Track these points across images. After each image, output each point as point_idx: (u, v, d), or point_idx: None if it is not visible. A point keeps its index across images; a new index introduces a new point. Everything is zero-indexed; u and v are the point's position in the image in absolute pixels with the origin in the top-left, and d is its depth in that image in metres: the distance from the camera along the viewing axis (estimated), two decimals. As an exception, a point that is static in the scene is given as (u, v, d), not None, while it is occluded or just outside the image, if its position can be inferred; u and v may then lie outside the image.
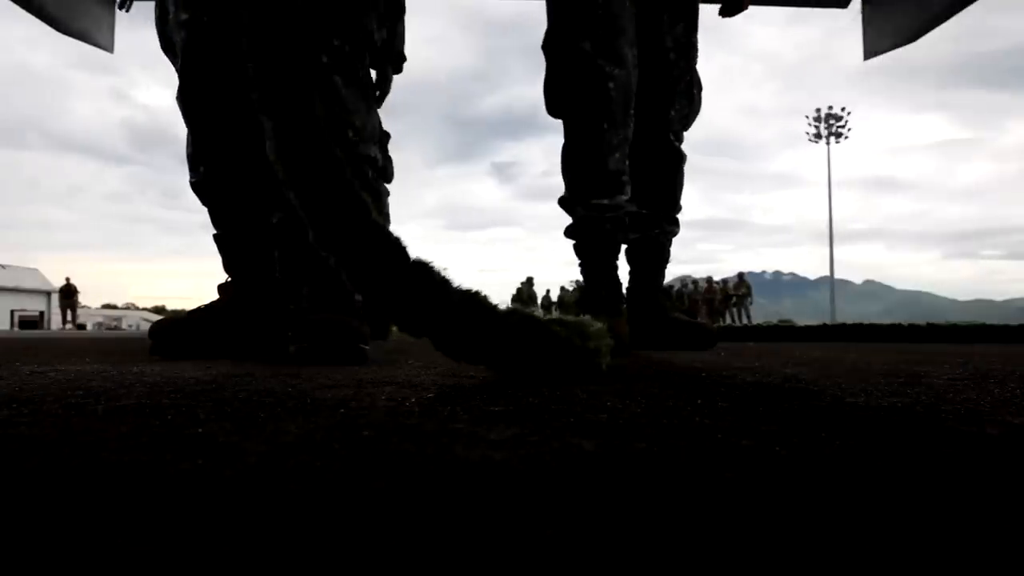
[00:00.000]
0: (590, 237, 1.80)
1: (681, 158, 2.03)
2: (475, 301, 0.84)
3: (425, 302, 0.83)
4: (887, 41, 2.91)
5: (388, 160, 2.41)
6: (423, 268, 0.85)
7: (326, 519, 0.27)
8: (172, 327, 1.58)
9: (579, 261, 1.87)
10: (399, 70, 2.36)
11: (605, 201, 1.74)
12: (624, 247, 1.94)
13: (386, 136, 2.34)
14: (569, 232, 1.85)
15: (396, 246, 0.85)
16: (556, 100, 1.79)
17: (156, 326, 1.59)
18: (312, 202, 0.85)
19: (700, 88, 2.05)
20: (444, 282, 0.85)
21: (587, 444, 0.42)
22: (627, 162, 1.77)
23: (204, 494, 0.31)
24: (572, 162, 1.78)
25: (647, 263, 2.08)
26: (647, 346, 1.95)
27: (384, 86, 2.29)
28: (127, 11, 2.15)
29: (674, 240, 2.13)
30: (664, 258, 2.10)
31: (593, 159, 1.73)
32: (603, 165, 1.72)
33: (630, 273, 2.09)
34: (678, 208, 2.09)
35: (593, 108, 1.71)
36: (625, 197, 1.77)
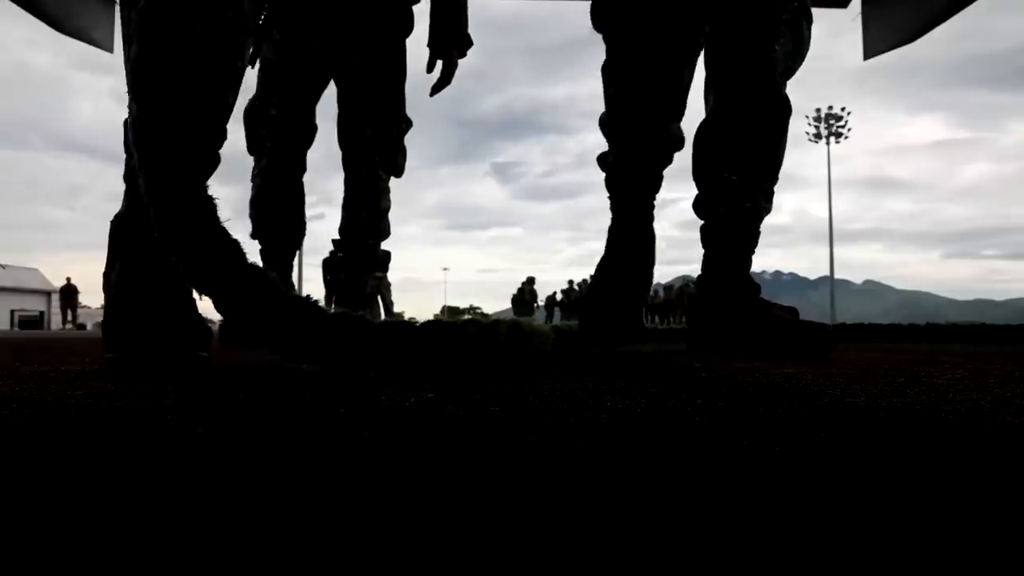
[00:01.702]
0: (628, 170, 1.43)
1: (787, 109, 1.58)
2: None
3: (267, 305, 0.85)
4: (887, 41, 2.91)
5: (402, 152, 2.18)
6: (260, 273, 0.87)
7: (326, 519, 0.27)
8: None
9: (611, 207, 1.49)
10: (463, 54, 2.10)
11: (651, 125, 1.39)
12: (701, 224, 1.57)
13: (408, 124, 2.12)
14: (602, 160, 1.50)
15: (234, 248, 0.87)
16: (602, 14, 1.49)
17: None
18: (158, 191, 0.84)
19: (810, 20, 1.61)
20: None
21: (587, 444, 0.42)
22: (684, 82, 1.44)
23: (203, 494, 0.31)
24: (613, 77, 1.46)
25: (735, 244, 1.59)
26: (740, 351, 1.49)
27: (448, 74, 2.07)
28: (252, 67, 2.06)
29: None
30: (755, 241, 1.63)
31: (638, 75, 1.41)
32: (651, 82, 1.39)
33: (708, 257, 1.62)
34: (776, 178, 1.62)
35: (641, 21, 1.40)
36: (677, 123, 1.44)
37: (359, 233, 2.14)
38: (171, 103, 0.84)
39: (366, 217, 2.12)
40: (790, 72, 1.60)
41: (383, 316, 9.00)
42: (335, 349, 0.86)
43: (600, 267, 1.60)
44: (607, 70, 1.50)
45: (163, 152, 0.84)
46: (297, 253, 2.21)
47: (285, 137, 2.04)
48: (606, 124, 1.53)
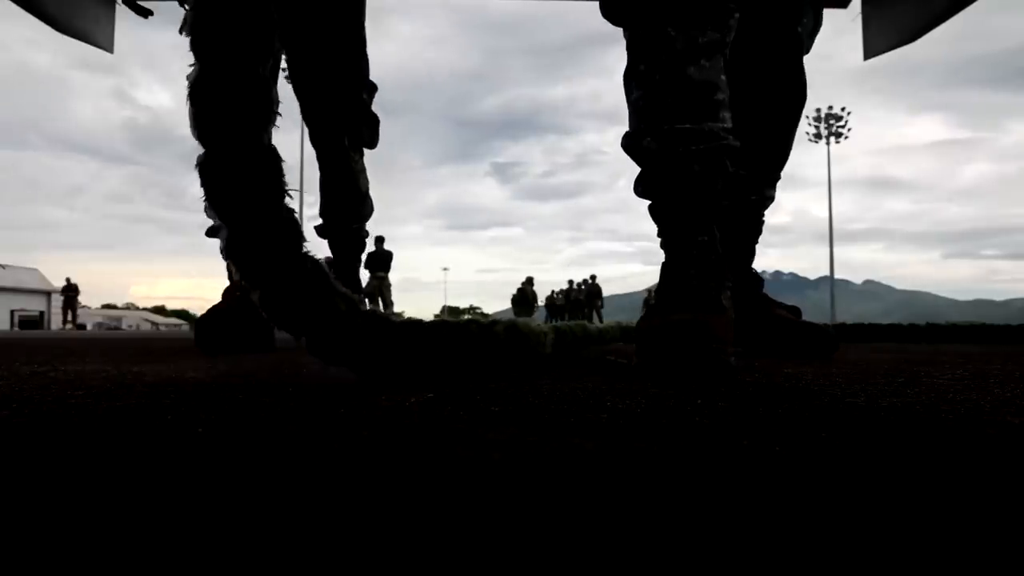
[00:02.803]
0: (666, 181, 1.14)
1: (804, 94, 1.51)
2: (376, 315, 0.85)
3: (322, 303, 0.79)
4: (887, 41, 2.91)
5: (372, 121, 1.94)
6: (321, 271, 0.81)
7: (326, 519, 0.27)
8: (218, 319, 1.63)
9: (657, 229, 1.18)
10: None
11: (688, 126, 1.12)
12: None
13: (373, 89, 1.92)
14: (639, 183, 1.18)
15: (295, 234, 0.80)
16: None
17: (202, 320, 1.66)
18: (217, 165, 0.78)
19: (823, 1, 1.54)
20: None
21: (587, 444, 0.42)
22: (724, 77, 1.16)
23: (203, 495, 0.31)
24: (635, 78, 1.18)
25: (739, 238, 1.51)
26: (744, 350, 1.32)
27: (373, 136, 1.92)
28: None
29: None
30: (758, 232, 1.58)
31: (663, 69, 1.14)
32: (679, 74, 1.12)
33: None
34: (784, 164, 1.56)
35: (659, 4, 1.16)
36: (722, 125, 1.14)
37: (341, 218, 1.99)
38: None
39: (345, 202, 1.95)
40: (809, 48, 1.54)
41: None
42: (375, 351, 0.82)
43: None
44: (625, 76, 1.23)
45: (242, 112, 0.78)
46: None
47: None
48: (630, 141, 1.19)
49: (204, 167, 0.78)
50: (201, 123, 0.78)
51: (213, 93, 0.78)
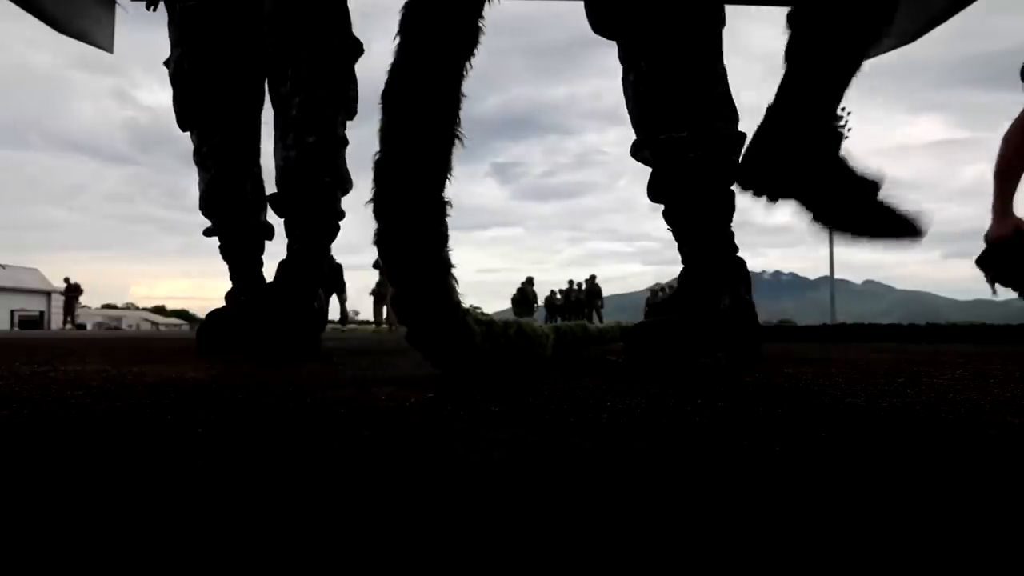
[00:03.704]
0: (668, 190, 1.16)
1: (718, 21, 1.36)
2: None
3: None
4: (887, 41, 2.91)
5: (353, 84, 1.65)
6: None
7: (326, 520, 0.27)
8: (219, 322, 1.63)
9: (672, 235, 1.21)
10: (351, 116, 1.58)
11: (684, 134, 1.11)
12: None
13: (359, 50, 1.56)
14: (648, 189, 1.21)
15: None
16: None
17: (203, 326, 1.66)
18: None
19: None
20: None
21: (587, 444, 0.42)
22: (723, 67, 1.15)
23: (202, 495, 0.31)
24: (628, 87, 1.19)
25: (703, 220, 1.35)
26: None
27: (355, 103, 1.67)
28: (154, 10, 1.69)
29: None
30: (727, 210, 1.36)
31: (656, 80, 1.13)
32: (672, 76, 1.12)
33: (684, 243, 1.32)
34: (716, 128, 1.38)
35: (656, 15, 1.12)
36: (723, 121, 1.14)
37: (307, 168, 1.44)
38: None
39: (314, 143, 1.43)
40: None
41: (384, 317, 9.00)
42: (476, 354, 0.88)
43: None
44: (623, 82, 1.22)
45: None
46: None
47: (231, 99, 1.66)
48: (637, 149, 1.21)
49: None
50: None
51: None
